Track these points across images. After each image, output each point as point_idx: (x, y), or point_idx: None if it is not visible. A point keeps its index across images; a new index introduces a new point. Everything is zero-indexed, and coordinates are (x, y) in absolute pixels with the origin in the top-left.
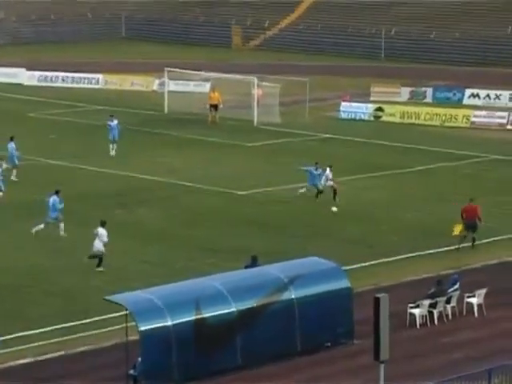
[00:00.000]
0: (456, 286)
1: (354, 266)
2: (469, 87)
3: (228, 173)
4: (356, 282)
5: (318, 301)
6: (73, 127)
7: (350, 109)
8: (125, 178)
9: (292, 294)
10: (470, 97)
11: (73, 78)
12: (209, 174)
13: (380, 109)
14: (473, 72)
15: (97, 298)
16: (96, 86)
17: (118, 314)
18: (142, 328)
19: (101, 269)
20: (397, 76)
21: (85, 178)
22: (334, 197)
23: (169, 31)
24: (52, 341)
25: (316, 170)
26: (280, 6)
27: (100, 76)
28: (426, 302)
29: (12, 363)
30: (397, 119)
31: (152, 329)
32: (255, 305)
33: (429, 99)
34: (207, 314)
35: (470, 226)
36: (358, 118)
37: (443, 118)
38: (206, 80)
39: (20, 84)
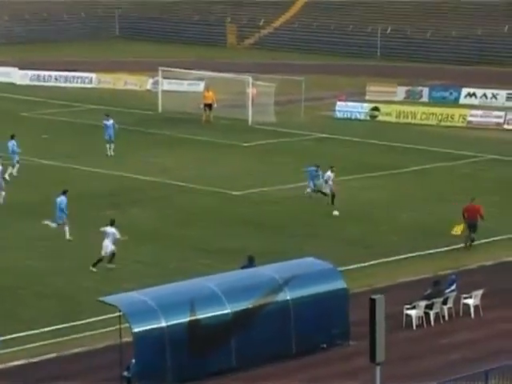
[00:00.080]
0: (453, 287)
1: (351, 267)
2: (465, 86)
3: (222, 173)
4: (352, 283)
5: (313, 302)
6: (66, 127)
7: (346, 108)
8: (118, 177)
9: (287, 295)
10: (466, 96)
11: (66, 77)
12: (203, 174)
13: (376, 108)
14: (469, 71)
15: (90, 299)
16: (89, 86)
17: (111, 316)
18: (136, 329)
19: (113, 265)
20: (393, 75)
21: (78, 178)
22: (333, 201)
23: (163, 30)
24: (45, 342)
25: (316, 171)
26: (275, 4)
27: (93, 75)
28: (423, 303)
29: (5, 365)
30: (393, 119)
31: (146, 330)
32: (250, 306)
33: (425, 98)
34: (202, 315)
35: (471, 226)
36: (353, 117)
37: (439, 117)
38: (200, 79)
39: (12, 83)
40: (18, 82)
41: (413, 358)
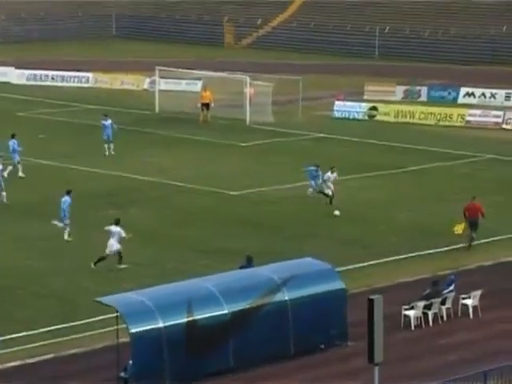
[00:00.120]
0: (451, 288)
1: (350, 267)
2: (464, 86)
3: (220, 172)
4: (351, 283)
5: (311, 302)
6: (63, 127)
7: (344, 108)
8: (116, 177)
9: (285, 296)
10: (465, 96)
11: (62, 76)
12: (201, 174)
13: (374, 108)
14: (468, 71)
15: (89, 300)
16: (86, 85)
17: (110, 316)
18: (133, 330)
19: (124, 266)
20: (391, 75)
21: (76, 179)
22: (331, 201)
23: (160, 29)
24: (43, 343)
25: (316, 171)
26: (272, 4)
27: (90, 75)
28: (421, 304)
29: (3, 365)
30: (391, 118)
31: (143, 331)
32: (248, 306)
33: (423, 98)
34: (199, 315)
35: (472, 224)
36: (351, 117)
37: (438, 117)
38: (198, 79)
39: (8, 82)
40: (15, 82)
41: (411, 359)
